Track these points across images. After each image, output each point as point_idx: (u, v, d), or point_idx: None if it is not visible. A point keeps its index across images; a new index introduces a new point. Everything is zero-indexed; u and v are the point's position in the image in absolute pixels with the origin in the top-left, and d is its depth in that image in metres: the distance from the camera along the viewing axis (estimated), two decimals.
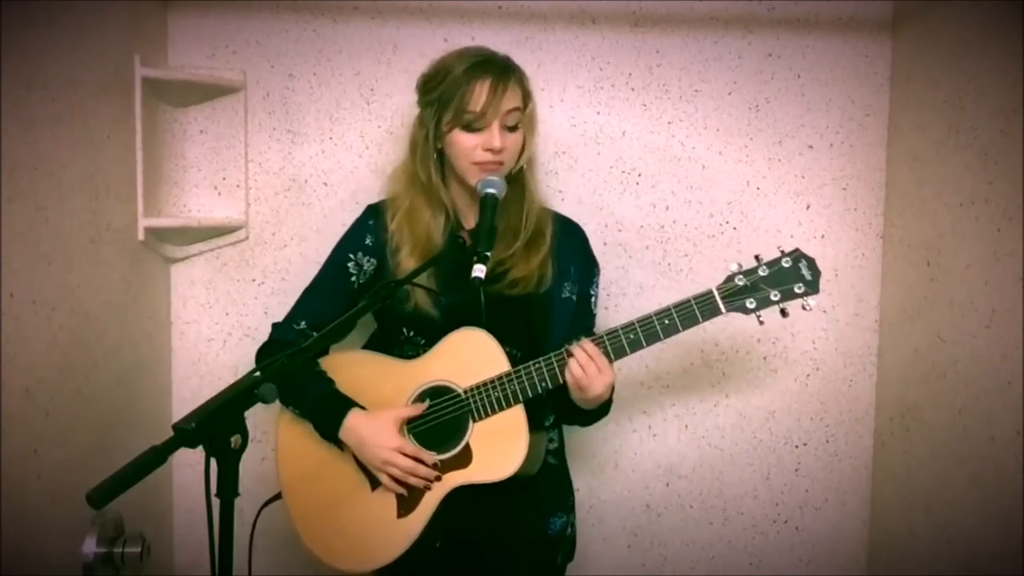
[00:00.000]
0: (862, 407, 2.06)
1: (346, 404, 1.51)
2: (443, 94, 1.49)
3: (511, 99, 1.48)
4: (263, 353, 1.61)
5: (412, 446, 1.50)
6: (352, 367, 1.58)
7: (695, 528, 2.08)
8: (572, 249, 1.63)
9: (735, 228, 2.02)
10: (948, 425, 1.72)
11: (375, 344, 1.65)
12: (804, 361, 2.04)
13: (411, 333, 1.56)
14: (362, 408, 1.51)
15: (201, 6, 1.93)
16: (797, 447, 2.06)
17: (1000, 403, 1.56)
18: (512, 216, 1.57)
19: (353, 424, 1.49)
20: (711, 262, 2.02)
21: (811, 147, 2.00)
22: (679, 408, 2.06)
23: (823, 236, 2.02)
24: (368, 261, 1.60)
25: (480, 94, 1.46)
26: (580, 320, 1.60)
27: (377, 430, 1.48)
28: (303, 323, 1.60)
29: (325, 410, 1.52)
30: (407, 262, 1.53)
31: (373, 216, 1.63)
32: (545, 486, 1.60)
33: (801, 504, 2.07)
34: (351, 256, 1.61)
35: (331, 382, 1.55)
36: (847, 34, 1.98)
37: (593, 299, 1.65)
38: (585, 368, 1.42)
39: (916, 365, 1.86)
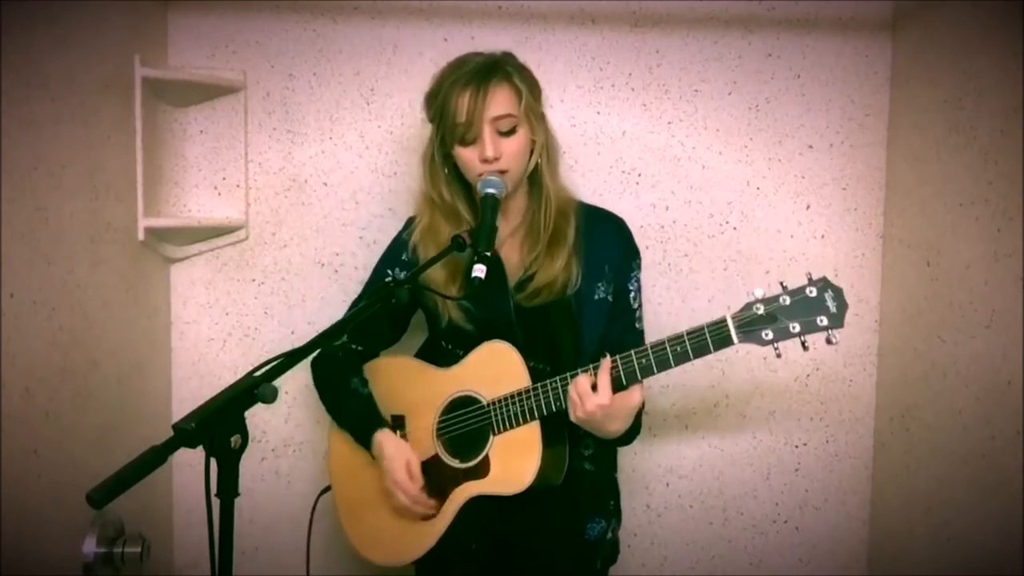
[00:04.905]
0: (862, 407, 2.05)
1: (375, 423, 1.58)
2: (436, 114, 1.50)
3: (497, 104, 1.45)
4: (315, 364, 1.68)
5: (414, 491, 1.54)
6: (393, 373, 1.65)
7: (695, 528, 2.08)
8: (605, 245, 1.58)
9: (735, 228, 2.02)
10: (948, 425, 1.72)
11: (425, 352, 1.70)
12: (804, 361, 2.04)
13: (449, 346, 1.60)
14: (390, 426, 1.59)
15: (201, 6, 1.93)
16: (797, 447, 2.06)
17: (1000, 403, 1.56)
18: (536, 216, 1.55)
19: (379, 443, 1.56)
20: (711, 262, 2.02)
21: (811, 147, 2.00)
22: (679, 408, 2.06)
23: (823, 236, 2.02)
24: (404, 275, 1.62)
25: (462, 107, 1.44)
26: (617, 318, 1.56)
27: (394, 462, 1.54)
28: (343, 336, 1.64)
29: (358, 427, 1.60)
30: (434, 275, 1.54)
31: (407, 230, 1.65)
32: (581, 491, 1.59)
33: (801, 504, 2.07)
34: (388, 271, 1.64)
35: (368, 397, 1.61)
36: (847, 34, 1.98)
37: (632, 293, 1.59)
38: (580, 392, 1.40)
39: (916, 365, 1.86)
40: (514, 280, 1.56)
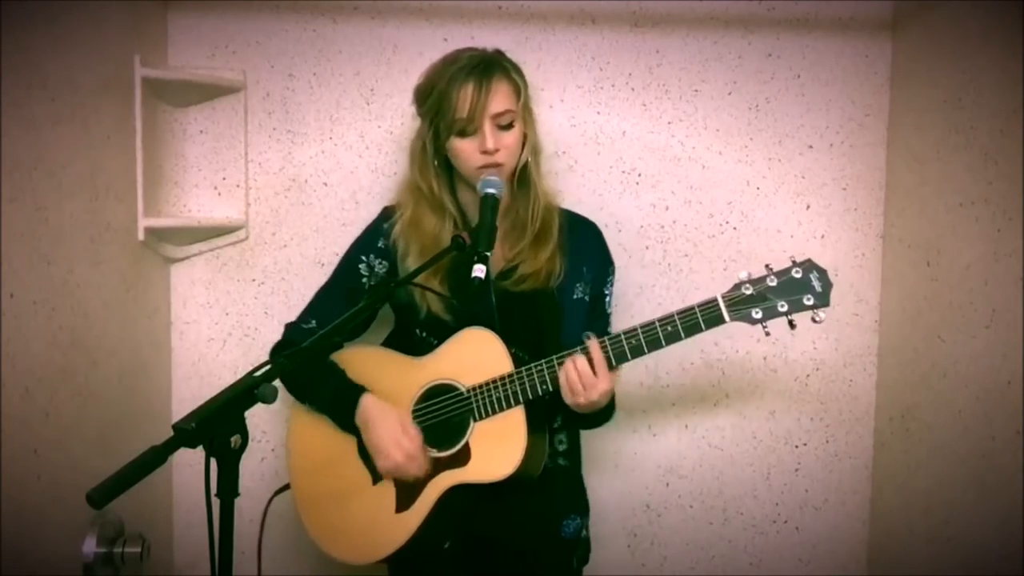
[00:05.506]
0: (862, 407, 2.05)
1: (358, 390, 1.55)
2: (433, 106, 1.50)
3: (498, 99, 1.47)
4: (276, 353, 1.63)
5: (410, 443, 1.50)
6: (364, 362, 1.61)
7: (695, 528, 2.08)
8: (585, 249, 1.61)
9: (735, 228, 2.02)
10: (948, 425, 1.72)
11: (392, 343, 1.67)
12: (804, 361, 2.04)
13: (424, 335, 1.58)
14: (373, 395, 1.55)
15: (201, 6, 1.93)
16: (797, 447, 2.06)
17: (1000, 403, 1.56)
18: (520, 212, 1.57)
19: (366, 406, 1.53)
20: (711, 262, 2.02)
21: (811, 147, 2.00)
22: (679, 408, 2.06)
23: (823, 236, 2.02)
24: (380, 263, 1.61)
25: (464, 99, 1.45)
26: (594, 322, 1.59)
27: (384, 420, 1.51)
28: (313, 322, 1.62)
29: (339, 400, 1.56)
30: (415, 267, 1.53)
31: (385, 219, 1.63)
32: (556, 488, 1.60)
33: (801, 504, 2.07)
34: (363, 258, 1.62)
35: (342, 373, 1.58)
36: (847, 34, 1.98)
37: (608, 298, 1.64)
38: (582, 375, 1.41)
39: (916, 365, 1.86)
40: (496, 271, 1.57)
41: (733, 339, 2.01)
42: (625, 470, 2.06)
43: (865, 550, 2.08)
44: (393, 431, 1.50)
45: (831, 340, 2.04)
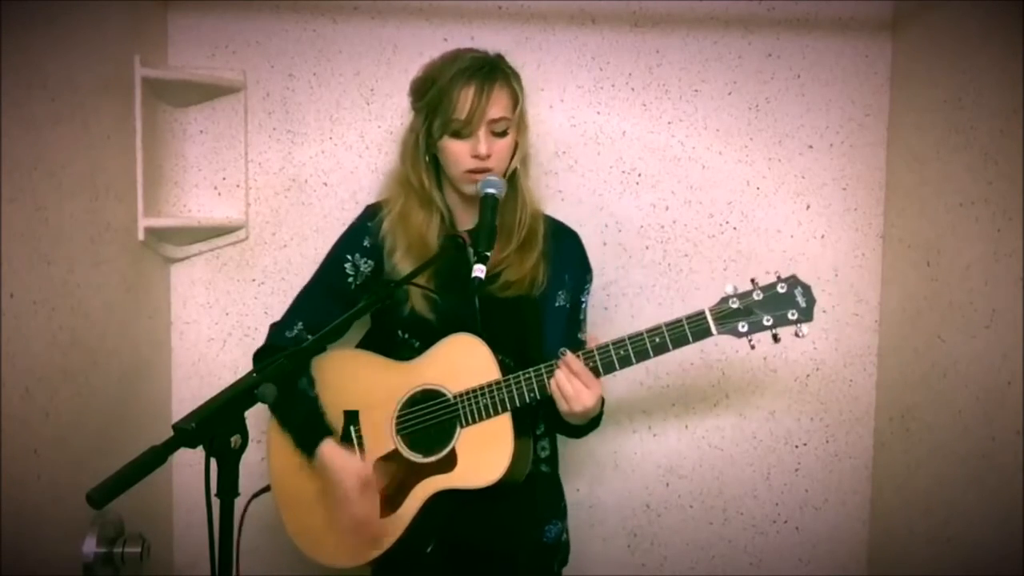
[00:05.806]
0: (862, 407, 2.06)
1: (320, 432, 1.51)
2: (431, 102, 1.49)
3: (497, 105, 1.47)
4: (260, 357, 1.61)
5: (362, 509, 1.47)
6: (347, 366, 1.59)
7: (695, 528, 2.08)
8: (567, 257, 1.62)
9: (735, 228, 2.02)
10: (948, 425, 1.72)
11: (369, 344, 1.65)
12: (804, 361, 2.04)
13: (406, 336, 1.56)
14: (337, 436, 1.53)
15: (201, 6, 1.93)
16: (797, 447, 2.06)
17: (1000, 403, 1.56)
18: (507, 217, 1.56)
19: (325, 454, 1.49)
20: (711, 262, 2.02)
21: (811, 147, 2.00)
22: (679, 408, 2.06)
23: (823, 236, 2.02)
24: (365, 263, 1.60)
25: (464, 101, 1.45)
26: (571, 329, 1.60)
27: (342, 477, 1.47)
28: (299, 324, 1.60)
29: (304, 433, 1.53)
30: (402, 264, 1.53)
31: (371, 218, 1.62)
32: (538, 493, 1.60)
33: (801, 504, 2.07)
34: (348, 257, 1.61)
35: (314, 400, 1.55)
36: (847, 34, 1.98)
37: (584, 306, 1.64)
38: (570, 382, 1.41)
39: (916, 365, 1.86)
40: None
41: (733, 339, 2.01)
42: (625, 470, 2.06)
43: (865, 550, 2.08)
44: (350, 492, 1.46)
45: (831, 340, 2.04)
